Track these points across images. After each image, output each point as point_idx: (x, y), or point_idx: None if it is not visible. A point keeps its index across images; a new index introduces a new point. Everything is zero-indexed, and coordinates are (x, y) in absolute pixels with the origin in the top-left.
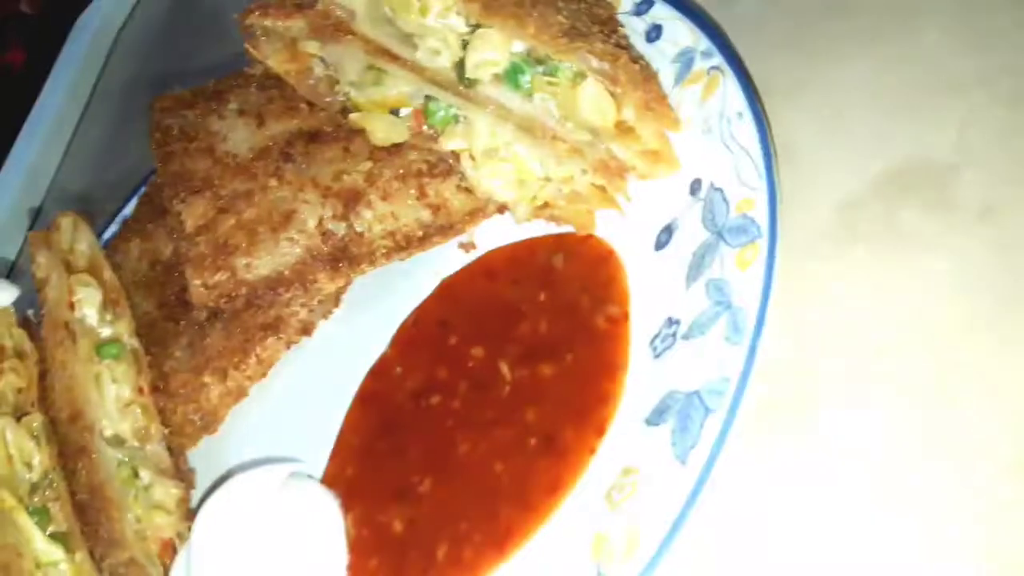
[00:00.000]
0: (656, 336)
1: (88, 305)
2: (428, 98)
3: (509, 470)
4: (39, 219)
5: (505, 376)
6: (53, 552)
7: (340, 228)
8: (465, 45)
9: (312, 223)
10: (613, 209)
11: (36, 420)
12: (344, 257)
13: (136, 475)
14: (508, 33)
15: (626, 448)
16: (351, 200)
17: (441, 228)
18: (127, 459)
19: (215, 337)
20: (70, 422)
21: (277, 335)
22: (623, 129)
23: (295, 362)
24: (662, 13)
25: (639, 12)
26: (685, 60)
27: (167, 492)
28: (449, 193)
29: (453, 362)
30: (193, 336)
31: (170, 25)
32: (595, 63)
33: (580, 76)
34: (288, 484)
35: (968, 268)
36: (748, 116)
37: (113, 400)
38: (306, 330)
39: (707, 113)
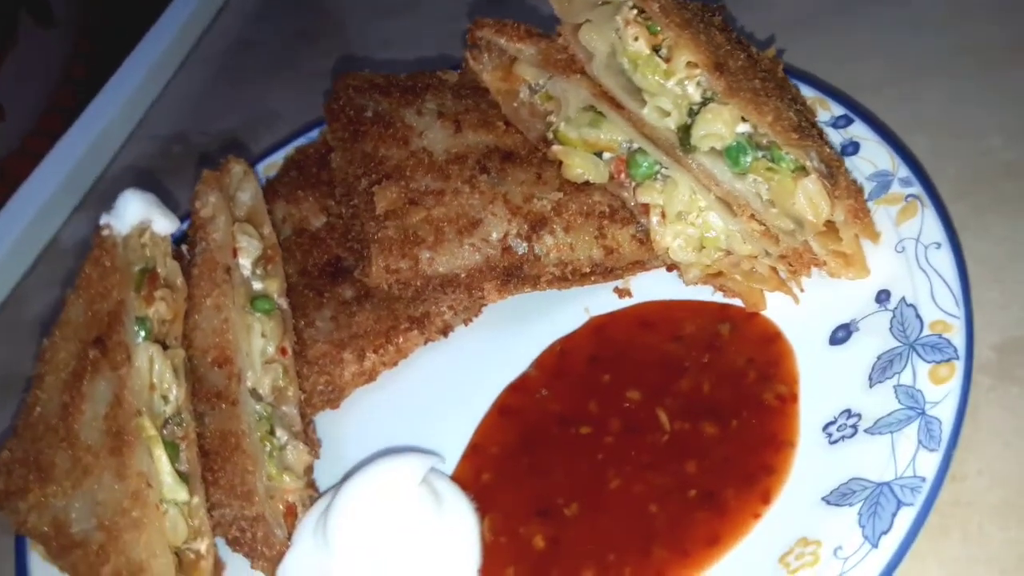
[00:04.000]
0: (831, 423)
1: (246, 255)
2: (636, 150)
3: (664, 514)
4: (121, 152)
5: (664, 425)
6: (177, 490)
7: (521, 247)
8: (691, 113)
9: (496, 235)
10: (786, 295)
11: (178, 356)
12: (516, 275)
13: (272, 432)
14: (747, 115)
15: (800, 520)
16: (537, 223)
17: (606, 270)
18: (267, 415)
19: (363, 318)
20: (214, 366)
21: (420, 330)
22: (828, 228)
23: (426, 359)
24: (861, 132)
25: (836, 125)
26: (882, 181)
27: (298, 455)
28: (624, 239)
29: (606, 399)
30: (338, 311)
31: (282, 5)
32: (819, 164)
33: (800, 170)
34: (429, 477)
35: None
36: (947, 248)
37: (259, 354)
38: (444, 331)
39: (902, 235)
